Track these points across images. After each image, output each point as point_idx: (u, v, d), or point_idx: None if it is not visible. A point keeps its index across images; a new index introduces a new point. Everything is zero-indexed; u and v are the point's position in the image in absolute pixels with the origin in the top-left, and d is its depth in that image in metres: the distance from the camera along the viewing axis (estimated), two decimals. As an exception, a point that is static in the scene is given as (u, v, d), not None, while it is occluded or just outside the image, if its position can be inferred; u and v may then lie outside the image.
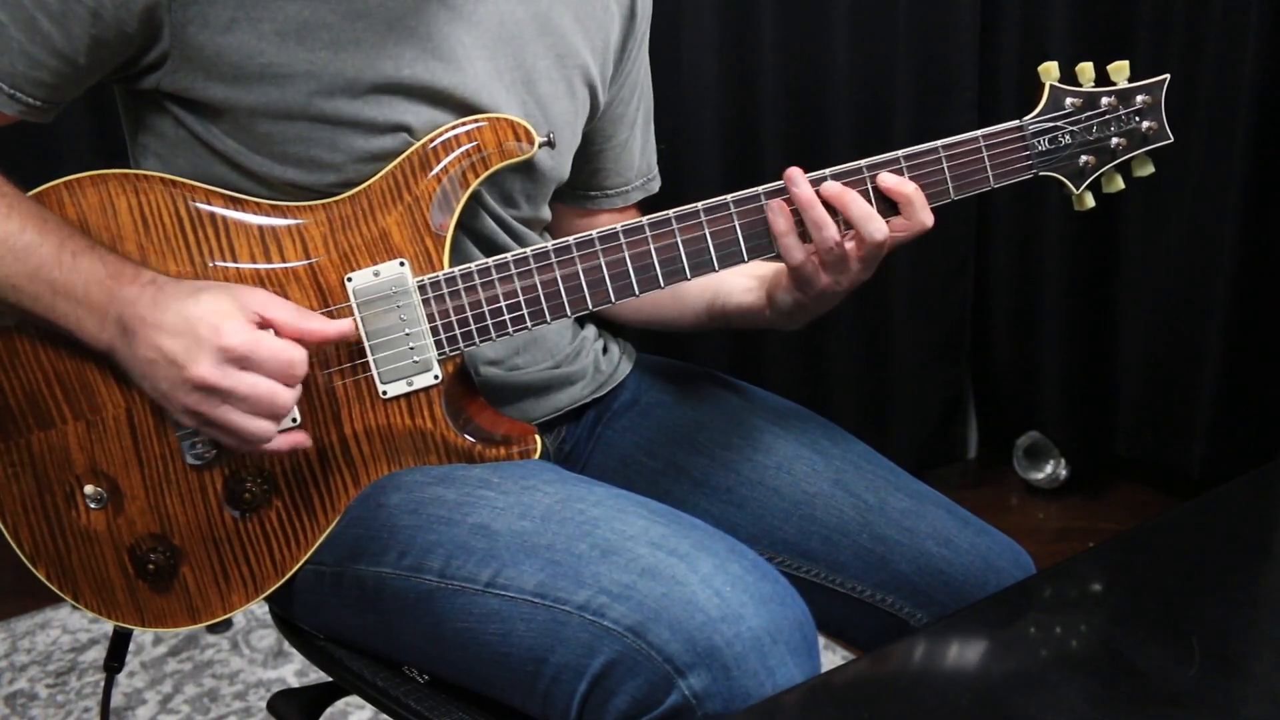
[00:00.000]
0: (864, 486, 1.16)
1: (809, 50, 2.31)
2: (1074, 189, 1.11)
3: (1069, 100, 1.09)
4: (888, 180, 1.05)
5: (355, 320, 1.05)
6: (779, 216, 1.05)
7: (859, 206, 1.04)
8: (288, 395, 0.98)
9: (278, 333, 0.98)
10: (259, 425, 0.98)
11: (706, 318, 1.24)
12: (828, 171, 1.06)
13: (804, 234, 1.05)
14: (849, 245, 1.05)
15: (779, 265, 1.13)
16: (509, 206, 1.16)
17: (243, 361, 0.96)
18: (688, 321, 1.26)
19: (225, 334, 0.95)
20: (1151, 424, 2.41)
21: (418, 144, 1.05)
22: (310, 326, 1.00)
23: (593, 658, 0.92)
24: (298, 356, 0.98)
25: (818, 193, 1.04)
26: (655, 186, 1.36)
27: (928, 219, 1.06)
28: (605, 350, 1.31)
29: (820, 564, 1.14)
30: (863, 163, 1.07)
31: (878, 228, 1.04)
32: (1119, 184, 1.12)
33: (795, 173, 1.05)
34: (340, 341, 1.03)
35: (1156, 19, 2.21)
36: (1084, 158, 1.10)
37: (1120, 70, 1.10)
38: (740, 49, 2.28)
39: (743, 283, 1.19)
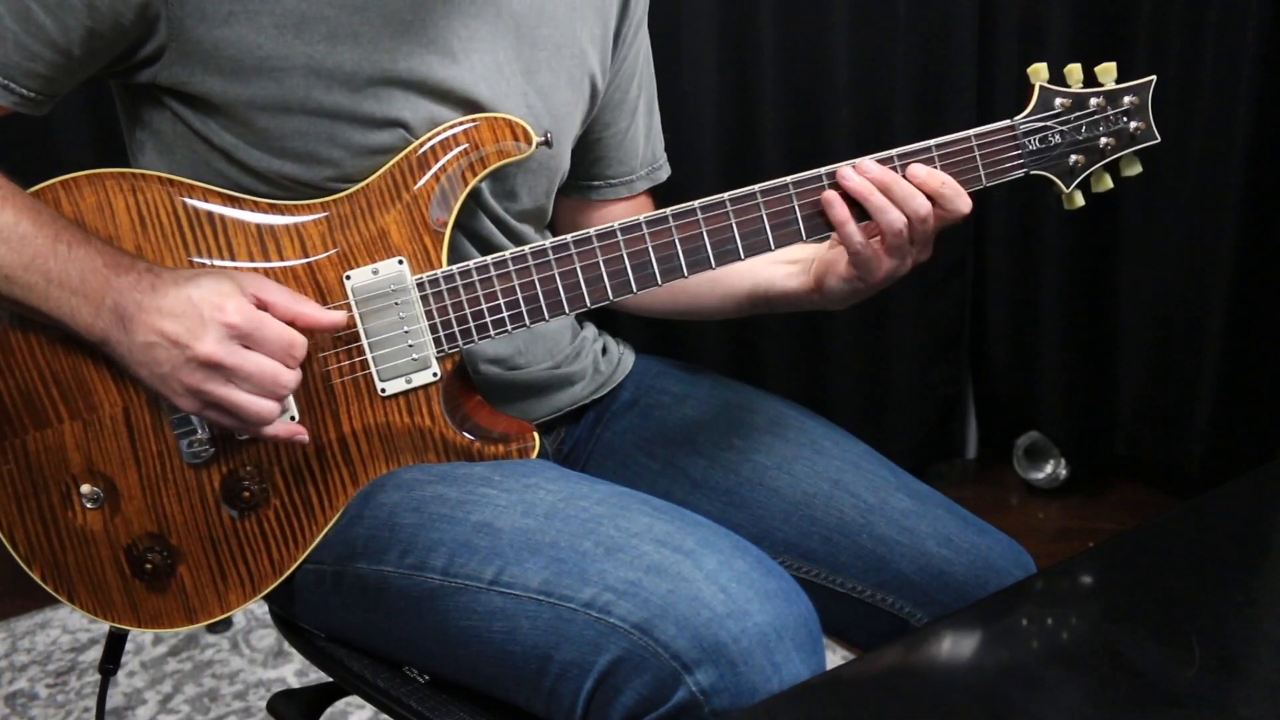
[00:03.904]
0: (864, 486, 1.16)
1: (809, 51, 2.31)
2: (1064, 188, 1.12)
3: (1058, 101, 1.11)
4: (919, 172, 1.06)
5: (353, 316, 1.04)
6: (837, 207, 1.05)
7: (902, 187, 1.05)
8: (290, 375, 0.98)
9: (272, 314, 0.99)
10: (262, 404, 0.98)
11: (749, 305, 1.22)
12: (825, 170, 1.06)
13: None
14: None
15: (820, 248, 1.13)
16: (510, 200, 1.16)
17: (246, 339, 0.96)
18: (729, 311, 1.25)
19: (230, 312, 0.95)
20: (1151, 423, 2.40)
21: (415, 143, 1.06)
22: (304, 310, 1.00)
23: (599, 655, 0.92)
24: (298, 339, 0.99)
25: (870, 179, 1.05)
26: (663, 175, 1.35)
27: (965, 205, 1.07)
28: (605, 351, 1.30)
29: (820, 564, 1.14)
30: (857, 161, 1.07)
31: (921, 204, 1.05)
32: (1108, 183, 1.14)
33: (845, 170, 1.05)
34: (331, 331, 1.03)
35: (1155, 20, 2.20)
36: (1073, 157, 1.11)
37: (1108, 72, 1.12)
38: (740, 49, 2.28)
39: (783, 268, 1.18)
